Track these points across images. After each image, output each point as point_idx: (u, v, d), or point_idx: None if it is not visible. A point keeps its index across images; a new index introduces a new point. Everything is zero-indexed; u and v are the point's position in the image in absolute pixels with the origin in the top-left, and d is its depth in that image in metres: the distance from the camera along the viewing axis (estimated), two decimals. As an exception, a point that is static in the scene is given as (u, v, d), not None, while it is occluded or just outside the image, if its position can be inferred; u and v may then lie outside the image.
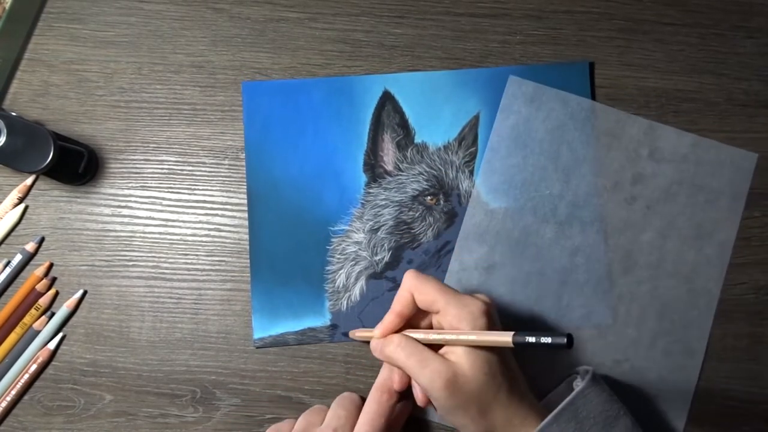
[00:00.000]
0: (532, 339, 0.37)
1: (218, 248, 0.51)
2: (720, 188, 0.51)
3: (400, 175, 0.52)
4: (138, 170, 0.52)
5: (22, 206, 0.51)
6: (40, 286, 0.50)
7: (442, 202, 0.51)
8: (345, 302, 0.51)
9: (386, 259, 0.51)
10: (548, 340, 0.36)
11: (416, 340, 0.42)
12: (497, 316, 0.43)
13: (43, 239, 0.51)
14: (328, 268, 0.51)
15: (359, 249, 0.51)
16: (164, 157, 0.52)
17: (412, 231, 0.51)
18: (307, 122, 0.52)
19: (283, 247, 0.51)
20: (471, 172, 0.51)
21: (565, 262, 0.51)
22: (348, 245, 0.51)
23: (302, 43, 0.53)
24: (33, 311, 0.50)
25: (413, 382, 0.44)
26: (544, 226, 0.51)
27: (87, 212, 0.52)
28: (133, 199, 0.52)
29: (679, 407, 0.50)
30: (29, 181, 0.52)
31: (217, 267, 0.51)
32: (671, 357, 0.50)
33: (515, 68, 0.52)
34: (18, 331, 0.50)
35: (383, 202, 0.51)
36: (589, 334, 0.50)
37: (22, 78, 0.53)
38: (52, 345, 0.50)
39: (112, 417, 0.50)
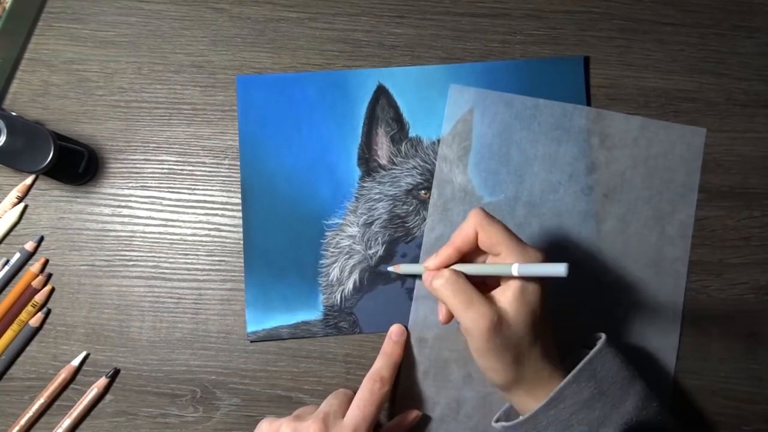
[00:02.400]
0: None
1: (218, 248, 0.52)
2: (673, 167, 0.51)
3: (394, 169, 0.52)
4: (138, 170, 0.52)
5: (21, 205, 0.51)
6: (35, 283, 0.50)
7: None
8: (339, 296, 0.51)
9: (380, 252, 0.51)
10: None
11: (466, 277, 0.42)
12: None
13: (42, 238, 0.51)
14: (321, 261, 0.51)
15: (353, 243, 0.51)
16: (164, 157, 0.52)
17: (406, 225, 0.51)
18: (302, 116, 0.52)
19: (277, 241, 0.51)
20: (465, 167, 0.51)
21: None
22: (342, 239, 0.51)
23: (302, 43, 0.53)
24: (29, 308, 0.50)
25: (438, 306, 0.45)
26: None
27: (87, 212, 0.52)
28: (133, 199, 0.52)
29: (660, 392, 0.49)
30: (29, 180, 0.52)
31: (217, 267, 0.51)
32: (646, 341, 0.50)
33: (510, 63, 0.52)
34: (14, 327, 0.50)
35: (377, 196, 0.51)
36: (560, 327, 0.50)
37: (22, 78, 0.53)
38: (75, 362, 0.50)
39: (112, 417, 0.50)
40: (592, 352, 0.43)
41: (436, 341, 0.50)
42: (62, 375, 0.50)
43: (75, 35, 0.53)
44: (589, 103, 0.52)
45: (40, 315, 0.50)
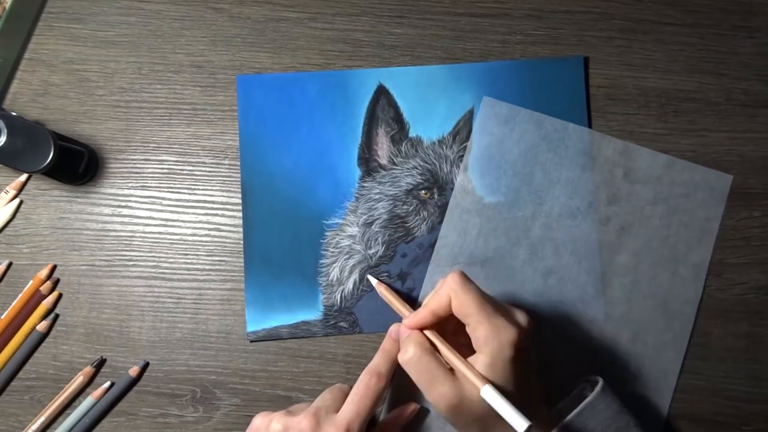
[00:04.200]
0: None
1: (218, 248, 0.52)
2: (694, 209, 0.51)
3: (395, 169, 0.52)
4: (138, 170, 0.52)
5: (16, 201, 0.51)
6: (43, 288, 0.50)
7: (436, 196, 0.51)
8: (339, 296, 0.51)
9: (380, 252, 0.51)
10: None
11: (435, 349, 0.42)
12: (532, 340, 0.42)
13: (147, 364, 0.50)
14: (321, 261, 0.51)
15: (353, 242, 0.51)
16: (164, 157, 0.52)
17: (406, 225, 0.51)
18: (302, 116, 0.52)
19: (277, 241, 0.51)
20: (465, 167, 0.52)
21: (538, 284, 0.50)
22: (342, 239, 0.51)
23: (302, 43, 0.53)
24: (38, 313, 0.50)
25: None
26: (516, 247, 0.51)
27: (87, 212, 0.52)
28: (133, 199, 0.52)
29: (652, 429, 0.49)
30: (23, 177, 0.51)
31: (217, 267, 0.51)
32: (644, 380, 0.50)
33: (510, 63, 0.52)
34: (23, 332, 0.50)
35: (377, 196, 0.51)
36: (562, 355, 0.50)
37: (22, 78, 0.53)
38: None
39: (112, 417, 0.50)
40: (583, 404, 0.42)
41: None
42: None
43: (75, 35, 0.53)
44: (588, 104, 0.52)
45: (47, 321, 0.50)
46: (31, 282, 0.50)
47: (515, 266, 0.50)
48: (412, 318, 0.43)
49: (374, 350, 0.49)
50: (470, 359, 0.40)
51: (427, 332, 0.43)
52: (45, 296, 0.50)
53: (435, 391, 0.40)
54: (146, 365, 0.50)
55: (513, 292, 0.50)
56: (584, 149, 0.51)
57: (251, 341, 0.51)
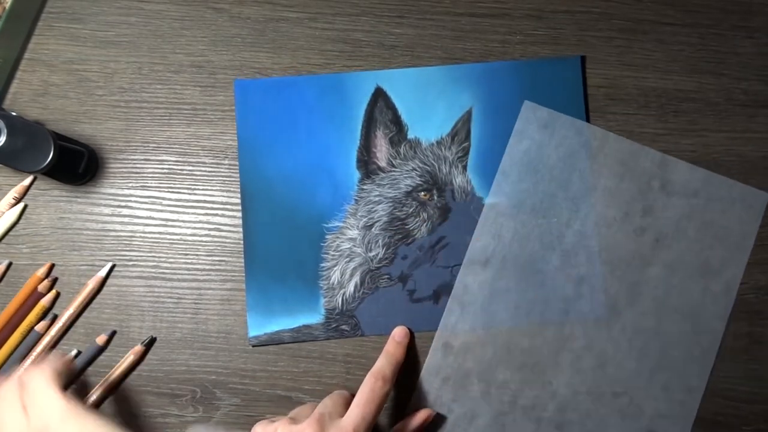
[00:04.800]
0: None
1: (218, 248, 0.52)
2: (729, 226, 0.51)
3: (394, 171, 0.52)
4: (138, 170, 0.52)
5: (21, 206, 0.51)
6: (41, 287, 0.50)
7: (435, 197, 0.51)
8: (340, 299, 0.51)
9: (380, 255, 0.51)
10: None
11: None
12: None
13: (114, 333, 0.51)
14: (322, 264, 0.51)
15: (353, 245, 0.51)
16: (164, 157, 0.52)
17: (406, 227, 0.51)
18: (300, 119, 0.52)
19: (278, 245, 0.51)
20: (464, 168, 0.51)
21: (569, 291, 0.50)
22: (342, 242, 0.51)
23: (302, 43, 0.53)
24: (35, 312, 0.50)
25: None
26: (550, 253, 0.51)
27: (87, 212, 0.52)
28: (133, 199, 0.52)
29: None
30: (27, 182, 0.52)
31: (217, 267, 0.51)
32: (670, 392, 0.50)
33: (509, 64, 0.52)
34: (20, 331, 0.50)
35: (377, 199, 0.51)
36: (590, 364, 0.50)
37: (22, 78, 0.53)
38: (102, 273, 0.51)
39: (112, 417, 0.50)
40: None
41: (462, 350, 0.50)
42: (90, 285, 0.50)
43: (75, 35, 0.53)
44: (586, 103, 0.52)
45: (45, 322, 0.50)
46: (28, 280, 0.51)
47: (547, 272, 0.50)
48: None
49: (374, 350, 0.49)
50: None
51: None
52: (43, 294, 0.50)
53: None
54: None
55: (544, 298, 0.50)
56: (623, 159, 0.51)
57: (253, 346, 0.51)
